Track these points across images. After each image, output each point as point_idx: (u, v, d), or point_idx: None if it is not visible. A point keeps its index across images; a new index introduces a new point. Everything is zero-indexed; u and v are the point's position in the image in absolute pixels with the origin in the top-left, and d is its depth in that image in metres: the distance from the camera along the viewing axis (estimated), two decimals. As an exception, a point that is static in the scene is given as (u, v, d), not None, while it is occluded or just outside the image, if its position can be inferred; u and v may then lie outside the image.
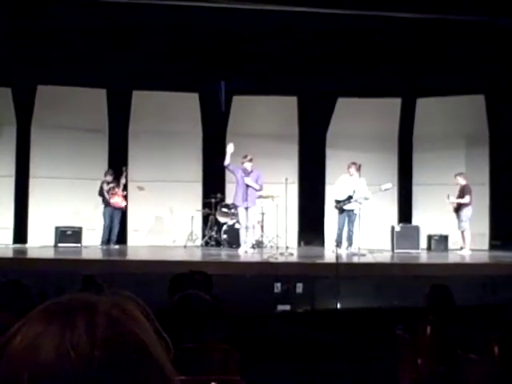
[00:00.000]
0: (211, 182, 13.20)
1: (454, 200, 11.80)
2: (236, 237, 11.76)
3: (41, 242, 12.16)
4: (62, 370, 0.74)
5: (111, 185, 12.27)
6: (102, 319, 0.78)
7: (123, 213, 12.72)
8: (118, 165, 13.12)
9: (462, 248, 11.93)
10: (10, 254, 11.08)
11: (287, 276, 9.04)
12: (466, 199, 11.71)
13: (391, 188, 11.66)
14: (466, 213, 11.78)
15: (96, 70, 12.59)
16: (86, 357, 0.75)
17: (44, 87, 12.88)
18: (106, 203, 12.29)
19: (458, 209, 11.82)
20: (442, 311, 4.95)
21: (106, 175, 12.38)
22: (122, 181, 12.36)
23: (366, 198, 11.12)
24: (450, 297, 5.08)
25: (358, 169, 11.41)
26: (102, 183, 12.31)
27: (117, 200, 12.28)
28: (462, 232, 11.84)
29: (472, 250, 11.73)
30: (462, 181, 11.86)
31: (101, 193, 12.29)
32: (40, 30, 11.65)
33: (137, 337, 0.79)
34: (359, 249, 10.90)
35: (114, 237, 12.42)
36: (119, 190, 12.33)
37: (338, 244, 11.04)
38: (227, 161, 11.02)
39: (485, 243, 12.57)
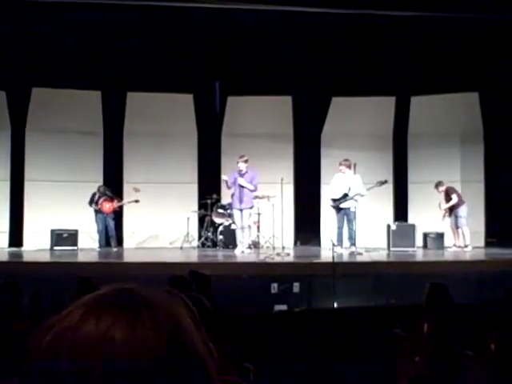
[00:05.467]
0: (207, 183, 13.19)
1: (446, 206, 11.90)
2: (232, 237, 11.75)
3: (37, 245, 12.12)
4: (131, 363, 0.75)
5: (103, 197, 12.33)
6: (164, 318, 0.80)
7: (118, 215, 12.73)
8: (113, 167, 13.15)
9: (455, 245, 11.97)
10: (5, 257, 11.04)
11: (284, 276, 9.04)
12: (454, 198, 11.78)
13: (387, 183, 11.68)
14: (463, 209, 11.84)
15: (90, 72, 12.57)
16: (153, 354, 0.77)
17: (39, 90, 12.84)
18: (97, 211, 12.36)
19: (451, 210, 11.93)
20: (439, 309, 4.96)
21: (99, 189, 12.36)
22: (125, 201, 12.50)
23: (361, 195, 11.11)
24: (449, 295, 5.09)
25: (350, 166, 11.39)
26: (94, 195, 12.33)
27: (106, 206, 12.32)
28: (460, 228, 11.87)
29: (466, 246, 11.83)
30: (441, 188, 11.97)
31: (91, 202, 12.31)
32: (34, 32, 11.62)
33: (193, 342, 0.82)
34: (356, 247, 10.92)
35: (112, 239, 12.42)
36: (115, 203, 12.37)
37: (339, 243, 11.02)
38: (229, 183, 11.07)
39: (480, 241, 12.59)
